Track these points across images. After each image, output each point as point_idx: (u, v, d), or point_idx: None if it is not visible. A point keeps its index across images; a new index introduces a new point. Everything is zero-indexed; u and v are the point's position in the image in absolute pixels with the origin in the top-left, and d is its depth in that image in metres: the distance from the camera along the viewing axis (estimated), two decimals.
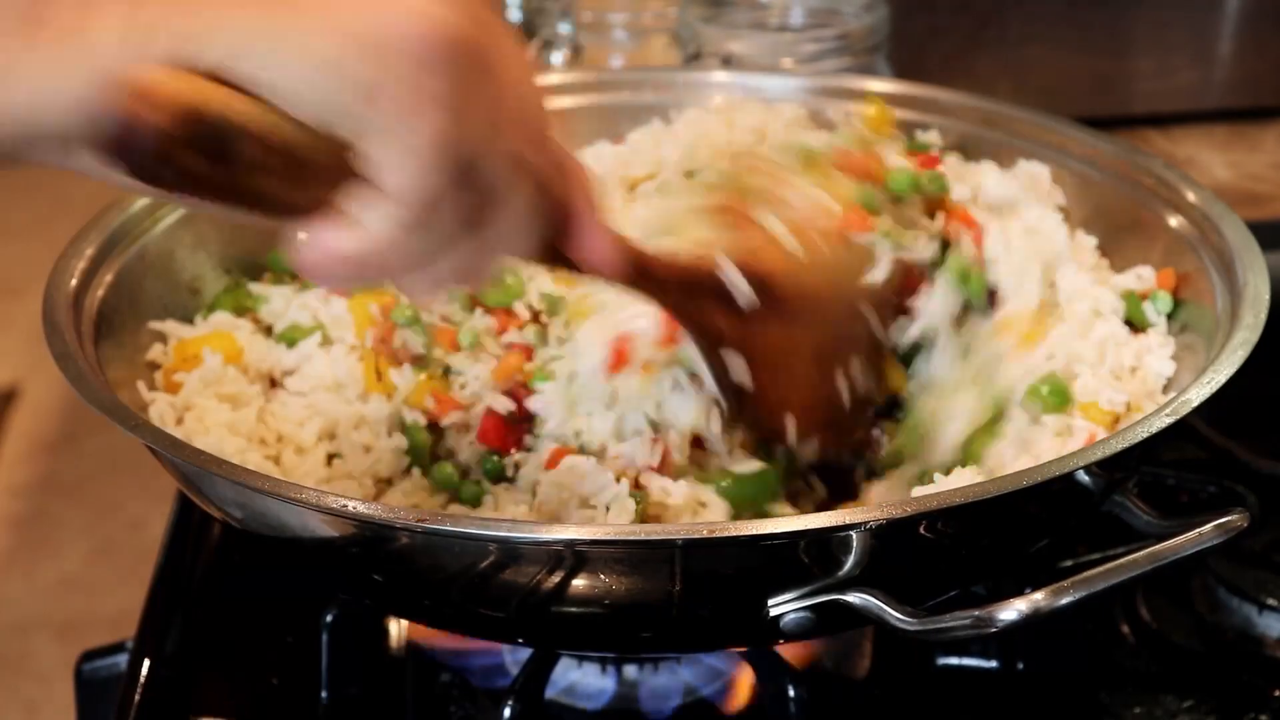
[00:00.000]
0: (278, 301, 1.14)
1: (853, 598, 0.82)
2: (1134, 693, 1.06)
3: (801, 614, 0.83)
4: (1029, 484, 0.83)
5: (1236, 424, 1.10)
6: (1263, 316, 0.96)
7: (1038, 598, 0.80)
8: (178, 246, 1.17)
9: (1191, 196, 1.12)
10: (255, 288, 1.16)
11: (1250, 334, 0.94)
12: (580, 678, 1.06)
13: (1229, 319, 0.99)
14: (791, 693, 0.98)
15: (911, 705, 1.07)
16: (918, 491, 0.92)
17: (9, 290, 3.73)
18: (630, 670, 1.05)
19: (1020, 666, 1.06)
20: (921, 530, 0.83)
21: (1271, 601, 1.08)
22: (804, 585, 0.83)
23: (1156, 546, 0.84)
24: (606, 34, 1.70)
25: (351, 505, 0.82)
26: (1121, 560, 0.83)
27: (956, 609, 0.81)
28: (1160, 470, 1.09)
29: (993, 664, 1.06)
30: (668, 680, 1.06)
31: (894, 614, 0.81)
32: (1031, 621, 0.79)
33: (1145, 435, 0.86)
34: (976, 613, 0.80)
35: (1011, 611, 0.79)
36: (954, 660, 1.07)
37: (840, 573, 0.83)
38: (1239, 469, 1.10)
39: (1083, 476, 0.85)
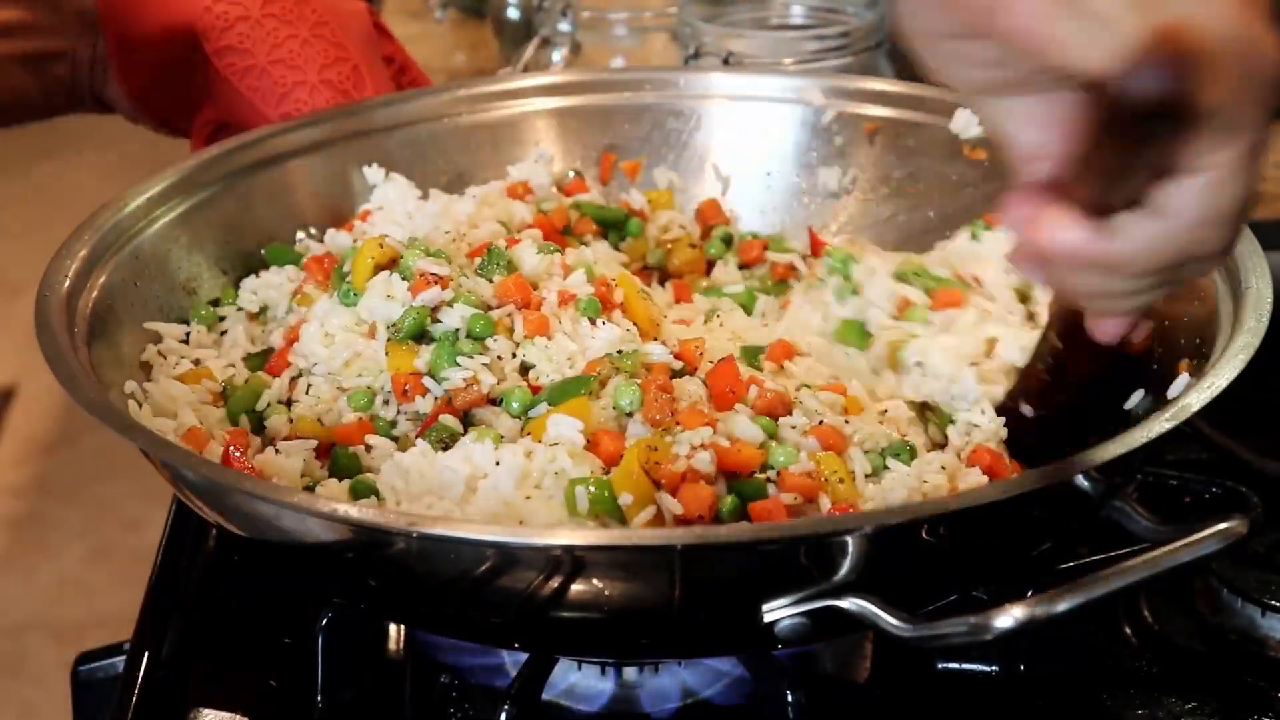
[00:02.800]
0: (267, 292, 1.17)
1: (847, 603, 0.81)
2: (1136, 695, 1.05)
3: (796, 620, 0.83)
4: (1025, 489, 0.82)
5: (1240, 425, 1.10)
6: (1265, 320, 0.95)
7: (1033, 605, 0.79)
8: (173, 246, 1.16)
9: None
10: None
11: (1252, 338, 0.94)
12: (579, 680, 1.06)
13: (1231, 322, 0.98)
14: (790, 697, 0.98)
15: (912, 709, 1.06)
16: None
17: (7, 290, 3.73)
18: (630, 672, 1.05)
19: (1021, 669, 1.06)
20: (916, 535, 0.82)
21: (1275, 603, 1.07)
22: (798, 591, 0.82)
23: (1153, 554, 0.83)
24: (606, 32, 1.70)
25: (343, 509, 0.81)
26: (1118, 567, 0.82)
27: (955, 614, 0.80)
28: (1163, 471, 1.08)
29: (993, 668, 1.06)
30: (667, 682, 1.05)
31: (889, 620, 0.80)
32: (1027, 629, 0.79)
33: (1144, 440, 0.86)
34: (972, 619, 0.79)
35: (1007, 619, 0.78)
36: (954, 664, 1.06)
37: (835, 578, 0.82)
38: (1242, 469, 1.09)
39: (1081, 481, 0.84)
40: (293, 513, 0.84)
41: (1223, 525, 0.84)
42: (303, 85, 1.32)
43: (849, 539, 0.80)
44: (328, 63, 1.34)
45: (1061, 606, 0.79)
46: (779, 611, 0.83)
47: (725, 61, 1.50)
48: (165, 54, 1.31)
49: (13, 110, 1.33)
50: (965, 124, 1.28)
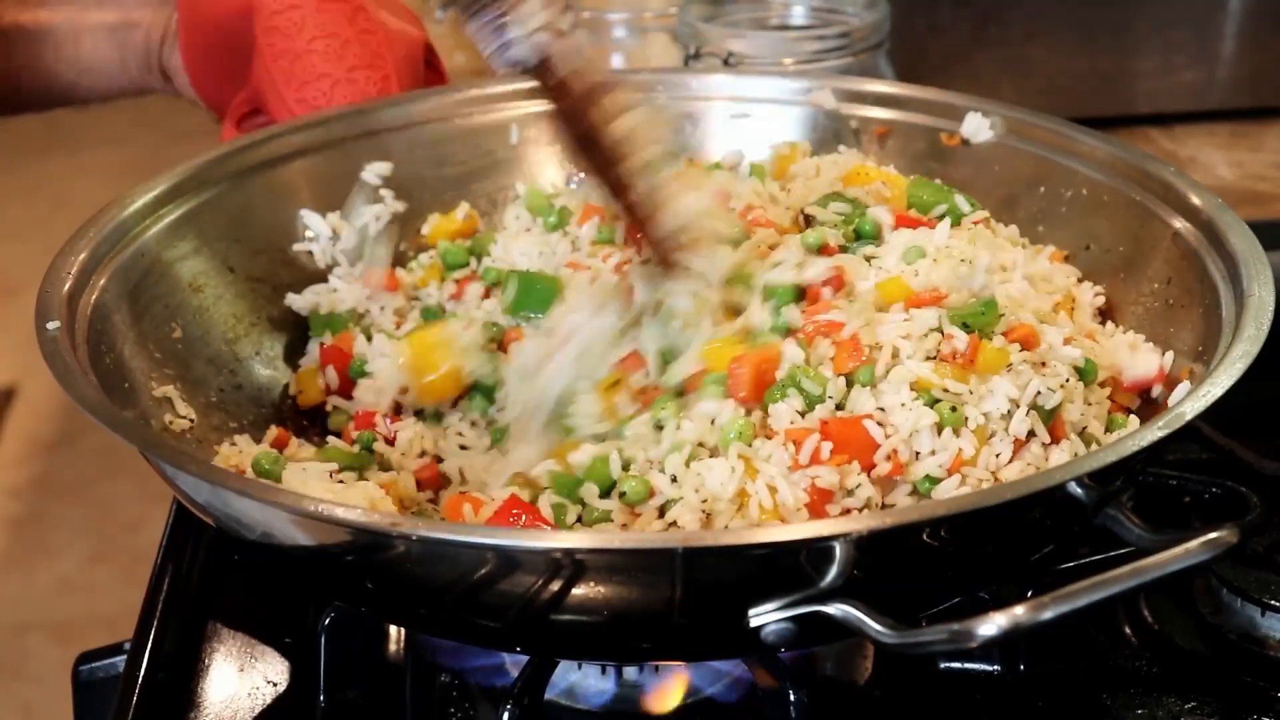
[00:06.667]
0: None
1: (833, 609, 0.81)
2: (1136, 694, 1.05)
3: (783, 625, 0.82)
4: (1015, 496, 0.82)
5: (1240, 425, 1.09)
6: (1265, 328, 0.95)
7: (1018, 613, 0.78)
8: (179, 244, 1.16)
9: (1200, 203, 1.11)
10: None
11: (1250, 346, 0.93)
12: (580, 679, 1.06)
13: (1233, 328, 0.98)
14: (792, 696, 0.98)
15: (914, 709, 1.06)
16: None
17: (7, 290, 3.73)
18: (631, 671, 1.05)
19: (1022, 669, 1.06)
20: (907, 541, 0.82)
21: (1275, 603, 1.07)
22: (785, 596, 0.82)
23: (1140, 563, 0.82)
24: (606, 32, 1.70)
25: (335, 511, 0.81)
26: (1106, 576, 0.81)
27: (952, 619, 0.80)
28: (1163, 471, 1.08)
29: (995, 667, 1.06)
30: (669, 681, 1.05)
31: (874, 626, 0.80)
32: (1011, 637, 0.78)
33: (1136, 448, 0.85)
34: (955, 627, 0.79)
35: (990, 627, 0.78)
36: (956, 664, 1.06)
37: (824, 583, 0.81)
38: (1242, 470, 1.09)
39: (1073, 489, 0.84)
40: (286, 515, 0.84)
41: (1213, 535, 0.83)
42: (327, 78, 1.33)
43: (836, 545, 0.80)
44: (359, 64, 1.35)
45: (1046, 615, 0.79)
46: (765, 616, 0.82)
47: (725, 62, 1.50)
48: (224, 29, 1.36)
49: (99, 78, 1.44)
50: (976, 128, 1.28)
